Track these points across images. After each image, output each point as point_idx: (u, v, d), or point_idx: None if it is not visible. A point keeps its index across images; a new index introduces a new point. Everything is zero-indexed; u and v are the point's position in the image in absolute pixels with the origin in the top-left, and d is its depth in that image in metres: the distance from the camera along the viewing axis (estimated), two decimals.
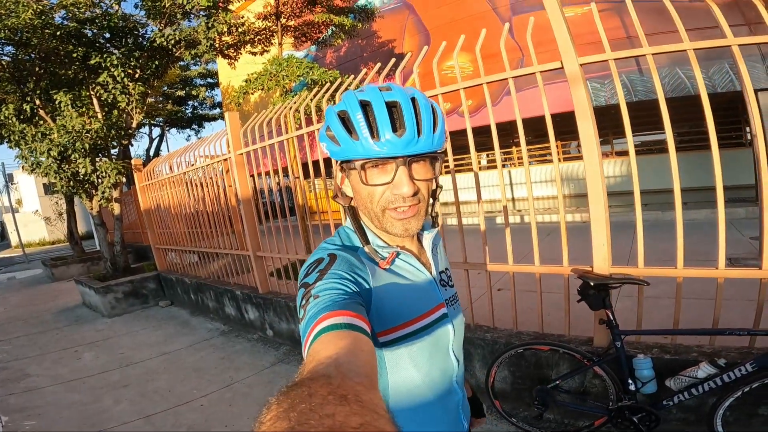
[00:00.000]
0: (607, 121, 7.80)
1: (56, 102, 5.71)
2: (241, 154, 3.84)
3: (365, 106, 0.65)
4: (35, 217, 21.37)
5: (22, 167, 6.36)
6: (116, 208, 6.46)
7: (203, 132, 22.11)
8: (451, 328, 0.76)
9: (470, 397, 0.98)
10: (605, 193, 1.98)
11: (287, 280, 3.96)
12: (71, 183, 5.99)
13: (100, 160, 6.25)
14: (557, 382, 1.97)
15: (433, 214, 0.80)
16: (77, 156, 5.65)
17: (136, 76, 6.12)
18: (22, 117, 5.86)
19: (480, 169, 10.22)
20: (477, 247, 2.56)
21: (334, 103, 3.25)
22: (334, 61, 11.58)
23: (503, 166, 10.01)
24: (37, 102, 5.92)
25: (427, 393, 0.72)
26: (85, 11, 5.64)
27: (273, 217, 3.86)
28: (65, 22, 5.69)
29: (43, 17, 5.08)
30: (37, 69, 5.83)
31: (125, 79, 5.80)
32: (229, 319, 4.61)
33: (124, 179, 6.40)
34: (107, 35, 6.02)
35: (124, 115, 6.32)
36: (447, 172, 8.33)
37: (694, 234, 4.34)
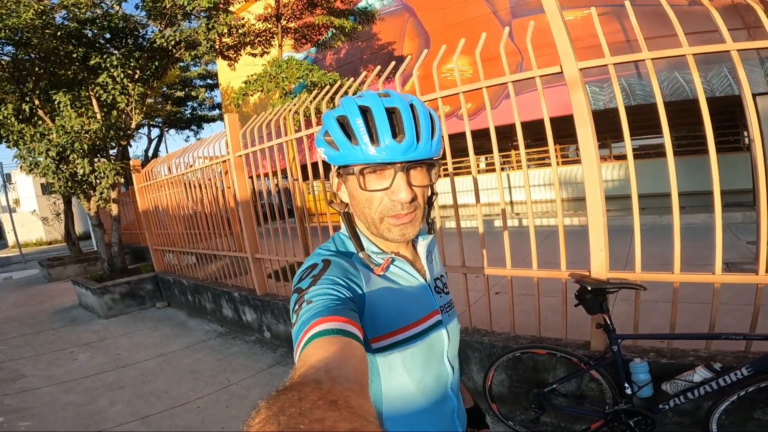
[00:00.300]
0: (606, 125, 7.83)
1: (55, 102, 5.70)
2: (240, 155, 3.84)
3: (365, 112, 0.65)
4: (32, 217, 21.29)
5: (21, 167, 6.34)
6: (114, 208, 6.45)
7: (202, 133, 22.12)
8: (445, 335, 0.76)
9: (472, 407, 0.97)
10: (603, 198, 1.98)
11: (285, 283, 3.96)
12: (69, 183, 5.97)
13: (99, 160, 6.24)
14: (554, 385, 1.97)
15: (429, 221, 0.80)
16: (76, 156, 5.64)
17: (136, 76, 6.12)
18: (20, 117, 5.84)
19: (479, 172, 10.24)
20: (475, 250, 2.57)
21: (334, 105, 3.26)
22: (333, 63, 11.60)
23: (502, 169, 10.06)
24: (36, 102, 5.91)
25: (420, 400, 0.72)
26: (85, 11, 5.65)
27: (271, 219, 3.86)
28: (66, 23, 5.69)
29: (44, 17, 5.08)
30: (36, 69, 5.82)
31: (125, 80, 5.80)
32: (226, 320, 4.59)
33: (122, 180, 6.38)
34: (107, 36, 6.03)
35: (123, 116, 6.32)
36: (446, 175, 8.34)
37: (692, 238, 4.36)
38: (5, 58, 5.69)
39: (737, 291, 2.96)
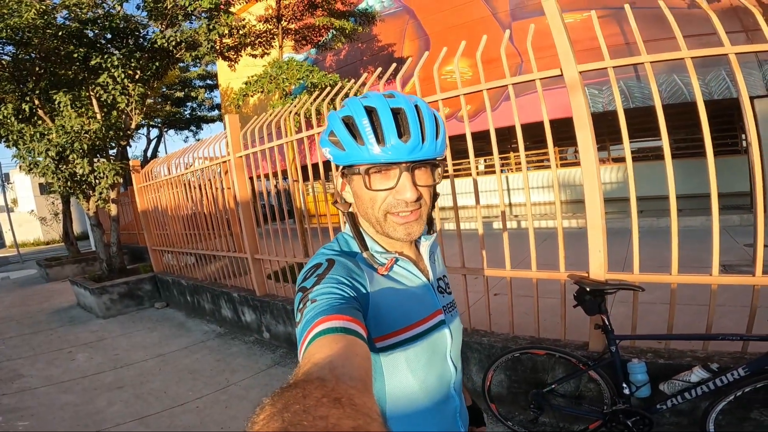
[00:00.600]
0: (605, 127, 7.87)
1: (55, 102, 5.70)
2: (241, 156, 3.84)
3: (370, 112, 0.66)
4: (30, 217, 21.26)
5: (20, 167, 6.33)
6: (113, 208, 6.44)
7: (201, 134, 22.13)
8: (448, 335, 0.76)
9: (470, 405, 0.98)
10: (602, 200, 2.00)
11: (285, 283, 3.96)
12: (68, 183, 5.97)
13: (98, 160, 6.24)
14: (553, 386, 1.98)
15: (429, 221, 0.81)
16: (75, 156, 5.64)
17: (136, 77, 6.13)
18: (20, 116, 5.84)
19: (478, 174, 10.27)
20: (475, 252, 2.58)
21: (334, 107, 3.27)
22: (333, 64, 11.63)
23: (501, 171, 10.09)
24: (36, 102, 5.91)
25: (423, 399, 0.72)
26: (87, 12, 5.65)
27: (271, 220, 3.87)
28: (67, 23, 5.69)
29: (46, 17, 5.09)
30: (37, 69, 5.82)
31: (125, 80, 5.81)
32: (225, 321, 4.59)
33: (121, 180, 6.38)
34: (108, 36, 6.03)
35: (123, 116, 6.32)
36: (446, 177, 8.37)
37: (690, 241, 4.39)
38: (6, 57, 5.70)
39: (734, 293, 2.99)
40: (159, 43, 5.95)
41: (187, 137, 21.85)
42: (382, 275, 0.72)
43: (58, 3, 5.44)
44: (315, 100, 3.26)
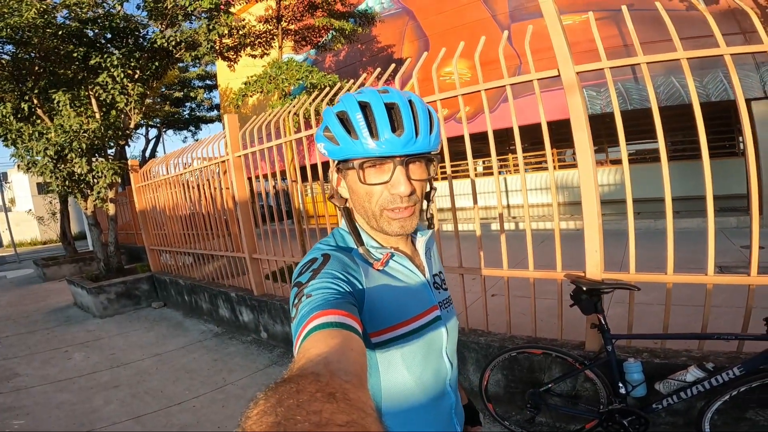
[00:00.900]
0: (602, 129, 7.90)
1: (54, 101, 5.69)
2: (239, 156, 3.85)
3: (364, 107, 0.66)
4: (27, 217, 21.20)
5: (18, 166, 6.31)
6: (111, 208, 6.43)
7: (200, 134, 22.10)
8: (444, 331, 0.76)
9: (466, 404, 0.98)
10: (599, 201, 2.01)
11: (282, 283, 3.96)
12: (66, 182, 5.95)
13: (97, 160, 6.23)
14: (549, 385, 1.98)
15: (428, 216, 0.81)
16: (74, 156, 5.63)
17: (136, 76, 6.13)
18: (19, 115, 5.83)
19: (476, 175, 10.29)
20: (473, 253, 2.59)
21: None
22: (333, 65, 11.65)
23: (499, 172, 10.11)
24: (35, 101, 5.90)
25: (419, 395, 0.72)
26: (87, 11, 5.65)
27: (270, 220, 3.87)
28: (67, 22, 5.69)
29: (46, 16, 5.09)
30: (36, 68, 5.82)
31: (125, 80, 5.80)
32: (222, 321, 4.58)
33: (119, 179, 6.37)
34: (108, 35, 6.03)
35: (122, 116, 6.31)
36: (444, 178, 8.39)
37: (686, 242, 4.40)
38: (5, 56, 5.69)
39: (730, 294, 2.99)
40: (159, 43, 5.95)
41: (185, 137, 21.81)
42: (378, 270, 0.71)
43: (59, 2, 5.43)
44: (314, 100, 3.27)
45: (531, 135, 7.39)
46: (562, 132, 6.54)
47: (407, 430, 0.71)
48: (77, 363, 3.91)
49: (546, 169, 9.32)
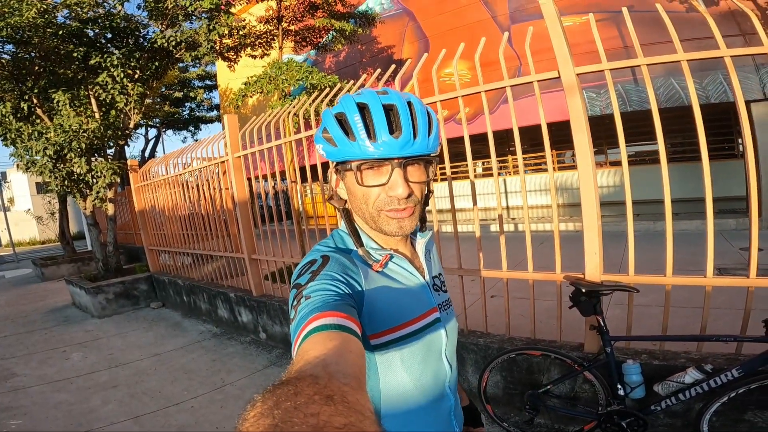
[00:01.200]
0: (602, 130, 7.91)
1: (54, 101, 5.69)
2: (239, 156, 3.84)
3: (362, 109, 0.66)
4: (26, 216, 21.17)
5: (17, 165, 6.31)
6: (110, 208, 6.42)
7: (200, 134, 22.09)
8: (443, 333, 0.76)
9: (467, 406, 0.97)
10: (598, 203, 2.01)
11: (282, 284, 3.95)
12: (66, 182, 5.95)
13: (96, 159, 6.23)
14: (548, 386, 1.98)
15: (421, 218, 0.80)
16: (73, 155, 5.63)
17: (136, 76, 6.13)
18: (19, 115, 5.83)
19: (476, 177, 10.29)
20: (472, 254, 2.59)
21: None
22: (333, 65, 11.66)
23: (499, 174, 10.11)
24: (35, 100, 5.90)
25: (418, 397, 0.71)
26: (88, 11, 5.66)
27: (269, 221, 3.87)
28: (67, 22, 5.69)
29: (46, 16, 5.09)
30: (36, 68, 5.82)
31: (124, 80, 5.80)
32: (221, 321, 4.58)
33: (118, 179, 6.37)
34: (108, 35, 6.04)
35: (122, 116, 6.31)
36: (444, 179, 8.39)
37: (686, 244, 4.40)
38: (5, 56, 5.69)
39: (730, 296, 3.00)
40: (159, 43, 5.96)
41: (185, 137, 21.80)
42: (377, 272, 0.71)
43: (59, 2, 5.44)
44: (314, 101, 3.27)
45: (531, 136, 7.41)
46: (562, 133, 6.55)
47: None
48: (75, 363, 3.90)
49: (546, 170, 9.32)
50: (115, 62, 5.64)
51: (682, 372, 1.63)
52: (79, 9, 5.53)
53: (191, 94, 18.97)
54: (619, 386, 1.72)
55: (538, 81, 2.13)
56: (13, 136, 5.72)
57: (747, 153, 1.73)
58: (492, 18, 8.92)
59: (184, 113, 19.79)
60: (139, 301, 5.91)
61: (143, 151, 18.94)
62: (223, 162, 4.11)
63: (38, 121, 6.01)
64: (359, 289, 0.66)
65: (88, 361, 3.93)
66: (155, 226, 5.97)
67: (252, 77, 6.36)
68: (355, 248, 0.73)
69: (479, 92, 2.32)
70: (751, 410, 1.64)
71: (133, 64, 5.92)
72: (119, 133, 6.22)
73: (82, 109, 6.12)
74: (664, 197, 1.89)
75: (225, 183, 4.30)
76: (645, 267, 2.04)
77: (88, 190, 6.23)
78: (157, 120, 18.55)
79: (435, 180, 0.76)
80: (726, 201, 7.14)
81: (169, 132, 20.75)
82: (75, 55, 5.62)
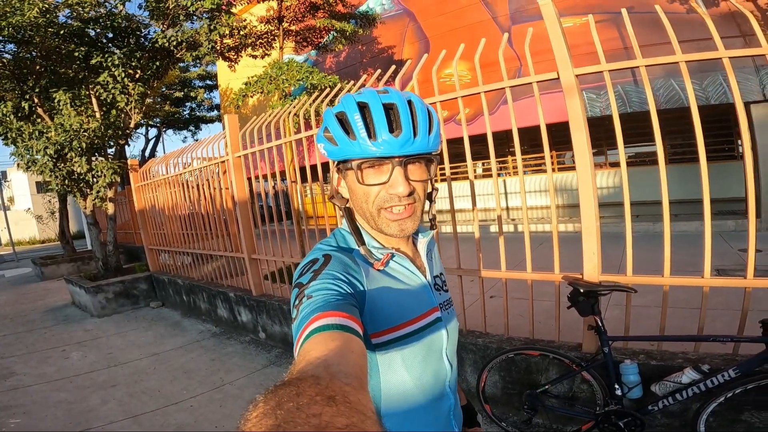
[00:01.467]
0: (602, 132, 7.91)
1: (55, 100, 5.70)
2: (239, 156, 3.85)
3: (363, 108, 0.66)
4: (26, 216, 21.18)
5: (18, 164, 6.32)
6: (110, 207, 6.43)
7: (200, 134, 22.10)
8: (444, 332, 0.76)
9: (465, 405, 0.97)
10: (596, 203, 2.02)
11: (281, 284, 3.96)
12: (66, 182, 5.96)
13: (96, 159, 6.23)
14: (546, 386, 1.99)
15: (430, 216, 0.80)
16: (73, 155, 5.64)
17: (137, 76, 6.14)
18: (20, 114, 5.84)
19: (476, 177, 10.30)
20: (472, 254, 2.60)
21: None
22: (333, 66, 11.67)
23: (499, 175, 10.13)
24: (36, 100, 5.91)
25: (419, 396, 0.72)
26: (89, 11, 5.67)
27: (269, 221, 3.87)
28: (69, 21, 5.70)
29: (48, 15, 5.10)
30: (37, 67, 5.83)
31: (125, 80, 5.81)
32: (221, 321, 4.58)
33: (119, 179, 6.38)
34: (110, 35, 6.05)
35: (123, 115, 6.32)
36: (443, 180, 8.39)
37: (685, 246, 4.41)
38: (6, 55, 5.70)
39: (728, 297, 3.01)
40: (160, 43, 5.97)
41: (185, 137, 21.85)
42: (379, 271, 0.71)
43: (61, 2, 5.45)
44: (314, 101, 3.28)
45: (531, 137, 7.41)
46: (562, 134, 6.55)
47: (406, 431, 0.71)
48: (74, 362, 3.91)
49: (546, 171, 9.33)
50: (116, 62, 5.65)
51: (679, 372, 1.63)
52: (80, 9, 5.54)
53: (192, 94, 18.99)
54: (616, 386, 1.73)
55: (537, 82, 2.14)
56: (13, 135, 5.73)
57: (745, 154, 1.74)
58: (492, 19, 8.94)
59: (185, 113, 19.81)
60: (138, 300, 5.91)
61: (143, 150, 18.96)
62: (223, 162, 4.11)
63: (39, 120, 6.02)
64: (361, 288, 0.66)
65: (88, 360, 3.94)
66: (155, 225, 5.97)
67: (252, 77, 6.37)
68: (356, 247, 0.74)
69: (478, 93, 2.33)
70: (747, 410, 1.64)
71: (134, 63, 5.93)
72: (120, 132, 6.22)
73: (82, 108, 6.13)
74: (663, 199, 1.90)
75: (225, 183, 4.30)
76: (644, 268, 2.05)
77: (88, 190, 6.23)
78: (158, 120, 18.57)
79: (435, 180, 0.76)
80: (725, 202, 7.14)
81: (170, 132, 20.78)
82: (76, 54, 5.63)
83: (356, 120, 0.65)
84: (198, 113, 20.35)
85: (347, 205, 0.76)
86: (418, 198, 0.70)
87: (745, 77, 6.21)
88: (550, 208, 8.83)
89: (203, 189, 4.57)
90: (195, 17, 6.37)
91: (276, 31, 7.69)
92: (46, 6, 5.08)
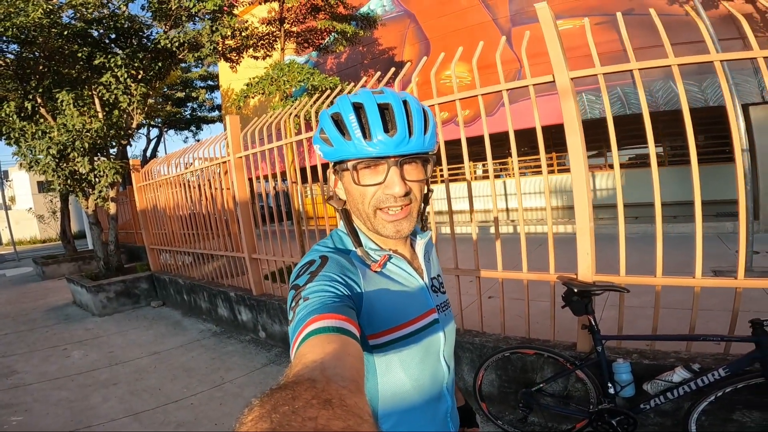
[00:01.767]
0: (602, 133, 7.91)
1: (58, 101, 5.74)
2: (240, 157, 3.88)
3: (358, 108, 0.66)
4: (27, 215, 21.24)
5: (20, 164, 6.36)
6: (112, 207, 6.47)
7: (201, 134, 22.14)
8: (441, 334, 0.76)
9: (462, 406, 0.97)
10: (590, 204, 2.05)
11: (282, 283, 3.99)
12: (68, 181, 6.00)
13: (98, 159, 6.28)
14: (541, 385, 2.01)
15: (423, 217, 0.80)
16: (76, 155, 5.68)
17: (139, 76, 6.18)
18: (22, 114, 5.88)
19: (474, 179, 10.32)
20: (469, 255, 2.62)
21: None
22: (334, 67, 11.71)
23: (497, 176, 10.15)
24: (39, 100, 5.96)
25: (416, 398, 0.71)
26: (93, 11, 5.71)
27: (270, 221, 3.90)
28: (72, 22, 5.75)
29: (52, 16, 5.14)
30: (40, 67, 5.87)
31: (128, 80, 5.86)
32: (221, 320, 4.61)
33: (120, 179, 6.42)
34: (113, 36, 6.10)
35: (125, 116, 6.37)
36: (442, 181, 8.41)
37: (682, 247, 4.41)
38: (10, 56, 5.74)
39: (722, 298, 3.02)
40: (162, 44, 6.01)
41: (186, 138, 21.86)
42: (376, 272, 0.71)
43: (65, 2, 5.49)
44: (315, 102, 3.31)
45: (530, 139, 7.41)
46: (560, 136, 6.57)
47: None
48: (76, 361, 3.94)
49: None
50: (119, 62, 5.70)
51: (671, 371, 1.66)
52: (84, 9, 5.58)
53: (193, 95, 19.05)
54: (609, 385, 1.75)
55: (534, 85, 2.16)
56: (16, 135, 5.78)
57: (736, 155, 1.77)
58: (493, 20, 8.97)
59: (186, 113, 19.86)
60: (139, 299, 5.95)
61: (145, 150, 19.01)
62: (224, 162, 4.15)
63: (42, 120, 6.07)
64: (358, 290, 0.66)
65: (89, 358, 3.97)
66: (156, 225, 6.01)
67: (254, 78, 6.41)
68: (353, 249, 0.73)
69: (476, 95, 2.36)
70: (739, 410, 1.66)
71: (136, 64, 5.98)
72: (122, 132, 6.27)
73: (85, 108, 6.17)
74: (655, 200, 1.93)
75: (226, 183, 4.34)
76: (641, 269, 2.07)
77: (90, 190, 6.28)
78: (159, 120, 18.61)
79: (433, 181, 0.78)
80: (724, 204, 7.15)
81: (171, 132, 20.84)
82: (79, 55, 5.68)
83: (351, 120, 0.65)
84: (199, 114, 20.40)
85: (344, 207, 0.76)
86: (414, 198, 0.70)
87: (744, 79, 6.23)
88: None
89: (204, 189, 4.61)
90: (197, 18, 6.42)
91: (277, 33, 7.74)
92: (50, 7, 5.12)
